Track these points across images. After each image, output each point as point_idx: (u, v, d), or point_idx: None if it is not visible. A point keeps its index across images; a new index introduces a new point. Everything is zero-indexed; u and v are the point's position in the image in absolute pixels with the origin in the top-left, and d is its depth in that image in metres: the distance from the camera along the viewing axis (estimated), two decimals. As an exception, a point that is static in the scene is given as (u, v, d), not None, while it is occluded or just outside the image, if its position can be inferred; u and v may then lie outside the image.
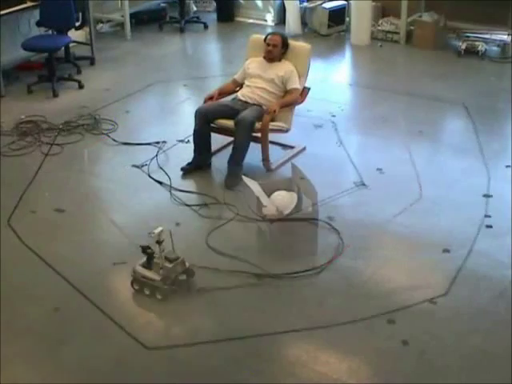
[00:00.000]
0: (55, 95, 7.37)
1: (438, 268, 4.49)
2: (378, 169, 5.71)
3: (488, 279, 4.35)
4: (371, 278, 4.41)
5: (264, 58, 5.94)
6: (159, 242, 4.18)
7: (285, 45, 5.94)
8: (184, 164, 5.76)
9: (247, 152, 5.60)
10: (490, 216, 5.00)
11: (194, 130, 5.73)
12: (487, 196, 5.26)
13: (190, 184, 5.60)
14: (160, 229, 4.18)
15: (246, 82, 5.95)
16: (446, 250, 4.64)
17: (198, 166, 5.78)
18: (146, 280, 4.22)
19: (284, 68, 5.85)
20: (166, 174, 5.69)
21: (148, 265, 4.27)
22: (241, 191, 5.32)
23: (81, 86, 7.62)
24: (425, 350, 3.80)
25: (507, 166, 5.66)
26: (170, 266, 4.20)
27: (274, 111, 5.59)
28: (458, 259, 4.53)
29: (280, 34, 6.05)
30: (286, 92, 5.85)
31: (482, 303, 4.15)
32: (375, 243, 4.81)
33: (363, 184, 5.47)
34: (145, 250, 4.26)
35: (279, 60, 5.92)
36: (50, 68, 7.56)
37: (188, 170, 5.73)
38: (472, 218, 4.98)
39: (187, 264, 4.32)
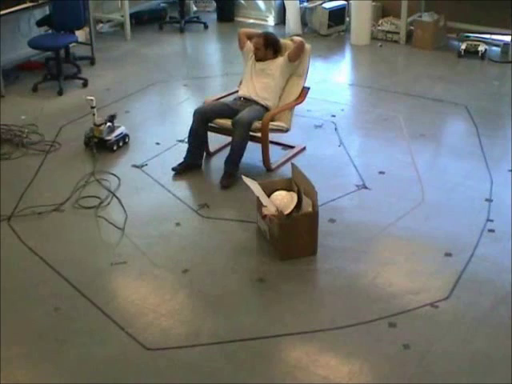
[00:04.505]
0: (60, 94, 7.36)
1: (439, 272, 4.48)
2: (379, 171, 5.69)
3: (490, 284, 4.34)
4: (372, 281, 4.40)
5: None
6: (92, 107, 6.03)
7: (269, 45, 5.87)
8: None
9: (244, 152, 5.58)
10: (492, 220, 4.99)
11: (191, 129, 5.70)
12: (489, 200, 5.25)
13: (190, 184, 5.59)
14: (91, 97, 6.06)
15: (247, 77, 5.94)
16: (448, 254, 4.63)
17: (189, 166, 5.75)
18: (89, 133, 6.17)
19: (280, 58, 5.86)
20: (167, 173, 5.68)
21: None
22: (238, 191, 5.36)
23: (85, 85, 7.61)
24: (426, 354, 3.79)
25: (509, 171, 5.65)
26: (93, 126, 6.07)
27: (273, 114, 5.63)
28: (460, 263, 4.53)
29: (264, 35, 5.95)
30: (291, 57, 5.81)
31: (483, 307, 4.15)
32: (377, 246, 4.80)
33: (365, 186, 5.47)
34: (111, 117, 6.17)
35: (273, 57, 5.89)
36: (58, 66, 7.57)
37: (179, 170, 5.71)
38: (474, 222, 4.98)
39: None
